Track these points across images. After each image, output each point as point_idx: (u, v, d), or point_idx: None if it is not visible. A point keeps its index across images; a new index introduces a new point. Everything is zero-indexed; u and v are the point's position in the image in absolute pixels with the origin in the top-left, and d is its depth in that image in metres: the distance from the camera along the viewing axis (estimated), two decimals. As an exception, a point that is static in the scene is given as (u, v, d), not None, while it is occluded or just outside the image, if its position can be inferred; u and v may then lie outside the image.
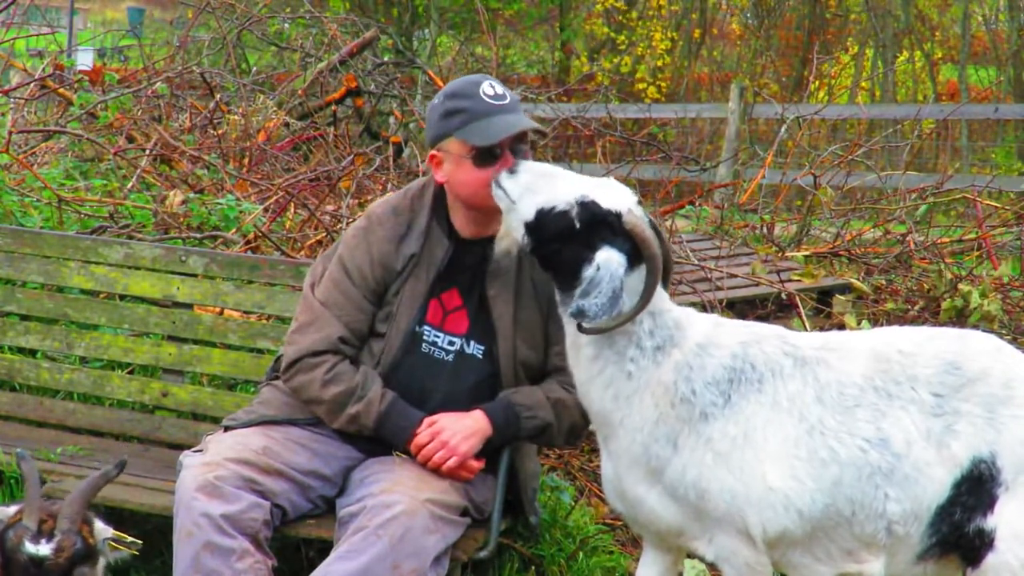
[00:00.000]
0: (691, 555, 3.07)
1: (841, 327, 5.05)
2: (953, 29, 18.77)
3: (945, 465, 2.72)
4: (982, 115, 11.63)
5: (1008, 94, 15.82)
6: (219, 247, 4.94)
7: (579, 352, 2.83)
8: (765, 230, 6.98)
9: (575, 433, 3.32)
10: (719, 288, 5.16)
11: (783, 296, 5.48)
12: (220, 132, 6.75)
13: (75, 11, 19.23)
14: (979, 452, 2.72)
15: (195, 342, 4.08)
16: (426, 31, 16.34)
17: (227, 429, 3.31)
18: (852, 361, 2.80)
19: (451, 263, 3.23)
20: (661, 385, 2.77)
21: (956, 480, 2.72)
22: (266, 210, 5.46)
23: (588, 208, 2.72)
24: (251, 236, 5.07)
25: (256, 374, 3.92)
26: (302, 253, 5.13)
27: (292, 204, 5.66)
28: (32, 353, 4.28)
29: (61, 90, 7.20)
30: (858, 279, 5.96)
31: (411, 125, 8.75)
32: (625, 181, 2.97)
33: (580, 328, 2.74)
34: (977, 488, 2.72)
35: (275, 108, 7.55)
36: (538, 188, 2.79)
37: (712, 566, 3.10)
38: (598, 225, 2.71)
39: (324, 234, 5.27)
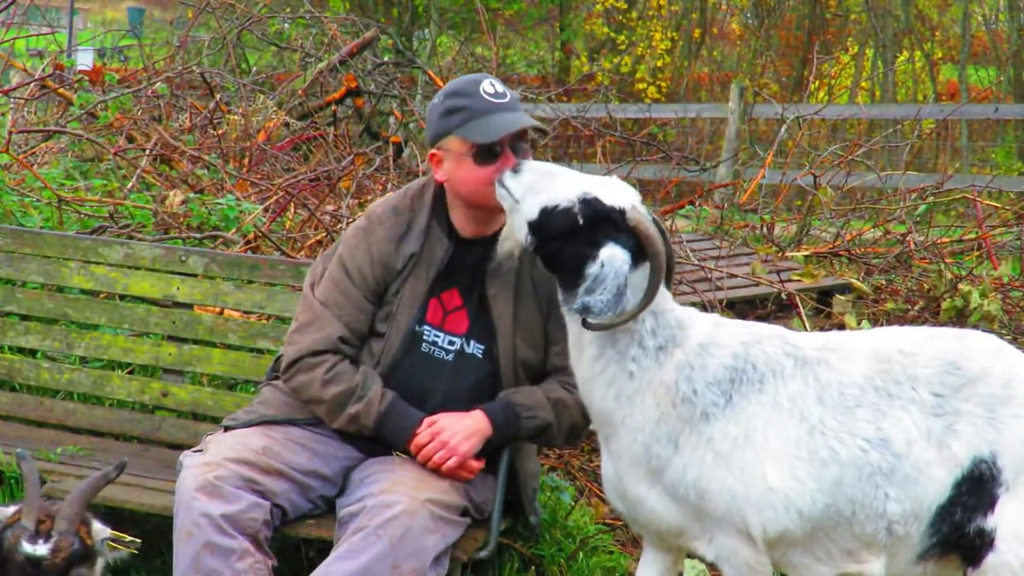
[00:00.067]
0: (691, 555, 3.07)
1: (841, 327, 5.04)
2: (953, 29, 18.78)
3: (946, 465, 2.72)
4: (982, 115, 11.62)
5: (1008, 94, 15.82)
6: (219, 247, 4.93)
7: (582, 351, 2.83)
8: (765, 230, 6.98)
9: (575, 433, 3.32)
10: (719, 288, 5.16)
11: (783, 296, 5.48)
12: (220, 132, 6.74)
13: (75, 11, 19.23)
14: (979, 452, 2.72)
15: (195, 342, 4.08)
16: (426, 31, 16.34)
17: (227, 429, 3.31)
18: (853, 361, 2.80)
19: (451, 263, 3.23)
20: (663, 385, 2.77)
21: (957, 480, 2.72)
22: (266, 210, 5.46)
23: (591, 205, 2.72)
24: (251, 236, 5.06)
25: (256, 374, 3.92)
26: (302, 253, 5.13)
27: (292, 204, 5.66)
28: (32, 353, 4.28)
29: (61, 90, 7.20)
30: (858, 279, 5.96)
31: (411, 125, 8.75)
32: (625, 181, 2.97)
33: (585, 324, 2.74)
34: (978, 488, 2.72)
35: (275, 108, 7.55)
36: (541, 187, 2.79)
37: (712, 566, 3.10)
38: (601, 222, 2.71)
39: (324, 234, 5.27)
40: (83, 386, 4.17)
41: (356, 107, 8.72)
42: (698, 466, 2.74)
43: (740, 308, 5.32)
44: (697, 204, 7.43)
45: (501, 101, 3.09)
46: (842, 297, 5.59)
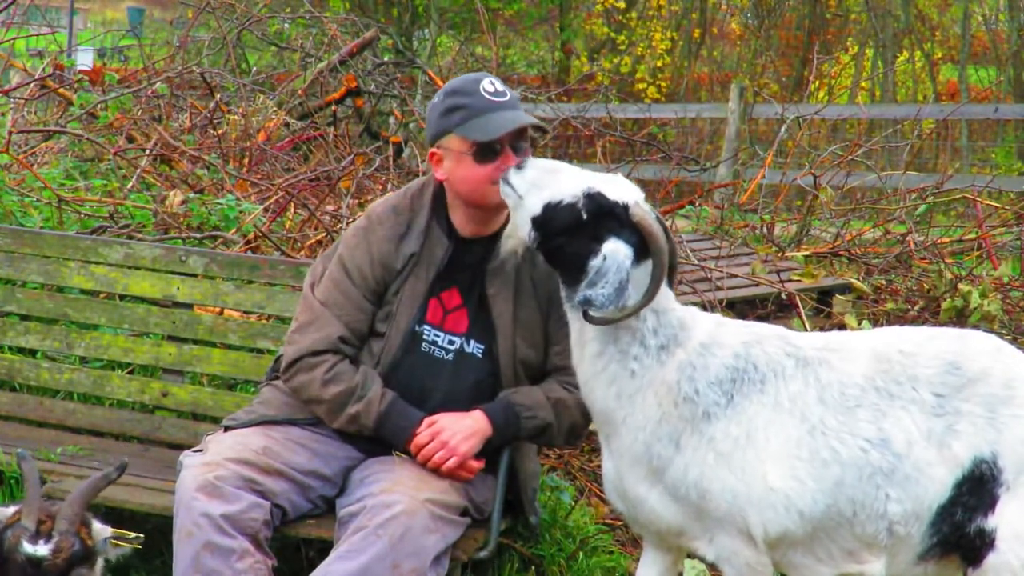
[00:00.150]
0: (691, 555, 3.07)
1: (841, 327, 5.05)
2: (953, 29, 18.78)
3: (946, 465, 2.72)
4: (982, 115, 11.62)
5: (1008, 94, 15.82)
6: (219, 247, 4.93)
7: (583, 348, 2.83)
8: (765, 230, 6.98)
9: (575, 433, 3.32)
10: (719, 288, 5.17)
11: (783, 296, 5.48)
12: (220, 132, 6.74)
13: (75, 11, 19.23)
14: (980, 452, 2.72)
15: (195, 342, 4.08)
16: (426, 31, 16.34)
17: (227, 429, 3.31)
18: (853, 361, 2.79)
19: (451, 262, 3.23)
20: (664, 384, 2.77)
21: (957, 480, 2.72)
22: (266, 210, 5.46)
23: (595, 199, 2.72)
24: (251, 236, 5.06)
25: (256, 374, 3.92)
26: (302, 253, 5.13)
27: (292, 204, 5.66)
28: (32, 353, 4.28)
29: (61, 90, 7.20)
30: (858, 279, 5.96)
31: (411, 125, 8.75)
32: (626, 181, 2.97)
33: (586, 317, 2.74)
34: (978, 488, 2.72)
35: (275, 108, 7.55)
36: (545, 183, 2.79)
37: (712, 566, 3.10)
38: (605, 216, 2.71)
39: (324, 234, 5.27)
40: (83, 386, 4.16)
41: (356, 107, 8.72)
42: (699, 466, 2.74)
43: (740, 308, 5.32)
44: (697, 204, 7.43)
45: (501, 100, 3.09)
46: (842, 297, 5.59)
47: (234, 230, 5.10)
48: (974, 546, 2.72)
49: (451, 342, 3.25)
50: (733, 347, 2.79)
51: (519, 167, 2.86)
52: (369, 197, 6.08)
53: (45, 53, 9.14)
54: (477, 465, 3.18)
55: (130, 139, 6.45)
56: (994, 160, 14.16)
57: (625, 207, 2.72)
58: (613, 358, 2.79)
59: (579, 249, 2.72)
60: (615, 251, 2.67)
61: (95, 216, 5.27)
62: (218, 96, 7.40)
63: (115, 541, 2.91)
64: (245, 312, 4.16)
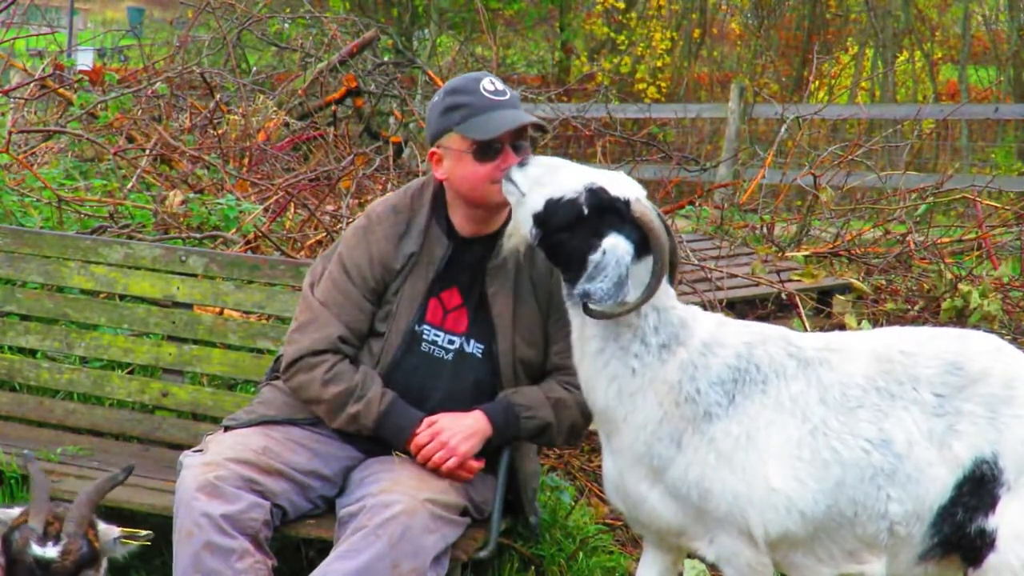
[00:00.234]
0: (691, 555, 3.07)
1: (841, 327, 5.04)
2: (953, 29, 18.78)
3: (947, 465, 2.72)
4: (982, 115, 11.63)
5: (1008, 94, 15.82)
6: (219, 247, 4.93)
7: (584, 345, 2.83)
8: (765, 230, 6.98)
9: (575, 432, 3.32)
10: (719, 288, 5.17)
11: (783, 296, 5.48)
12: (220, 132, 6.74)
13: (75, 11, 19.23)
14: (981, 452, 2.72)
15: (195, 342, 4.08)
16: (426, 31, 16.34)
17: (227, 429, 3.30)
18: (854, 362, 2.79)
19: (450, 262, 3.23)
20: (666, 383, 2.77)
21: (958, 480, 2.72)
22: (266, 210, 5.46)
23: (597, 195, 2.73)
24: (251, 236, 5.06)
25: (256, 374, 3.92)
26: (302, 253, 5.13)
27: (292, 204, 5.65)
28: (32, 353, 4.28)
29: (61, 90, 7.19)
30: (858, 279, 5.96)
31: (411, 125, 8.75)
32: (626, 181, 2.97)
33: (586, 310, 2.74)
34: (979, 488, 2.72)
35: (275, 108, 7.55)
36: (547, 180, 2.80)
37: (713, 566, 3.10)
38: (606, 212, 2.72)
39: (324, 234, 5.27)
40: (83, 386, 4.16)
41: (356, 107, 8.72)
42: (700, 466, 2.74)
43: (740, 308, 5.32)
44: (697, 204, 7.43)
45: (501, 98, 3.09)
46: (842, 297, 5.59)
47: (234, 230, 5.10)
48: (975, 546, 2.72)
49: (451, 342, 3.25)
50: (735, 347, 2.79)
51: (522, 164, 2.86)
52: (369, 197, 6.08)
53: (45, 53, 9.14)
54: (477, 465, 3.18)
55: (130, 139, 6.45)
56: (994, 160, 14.16)
57: (627, 203, 2.72)
58: (614, 355, 2.79)
59: (580, 245, 2.72)
60: (615, 246, 2.67)
61: (95, 216, 5.27)
62: (218, 96, 7.40)
63: (125, 540, 2.91)
64: (245, 312, 4.16)
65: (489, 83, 3.10)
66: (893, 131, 9.92)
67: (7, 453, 3.70)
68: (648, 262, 2.72)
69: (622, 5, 17.91)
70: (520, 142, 3.10)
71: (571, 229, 2.74)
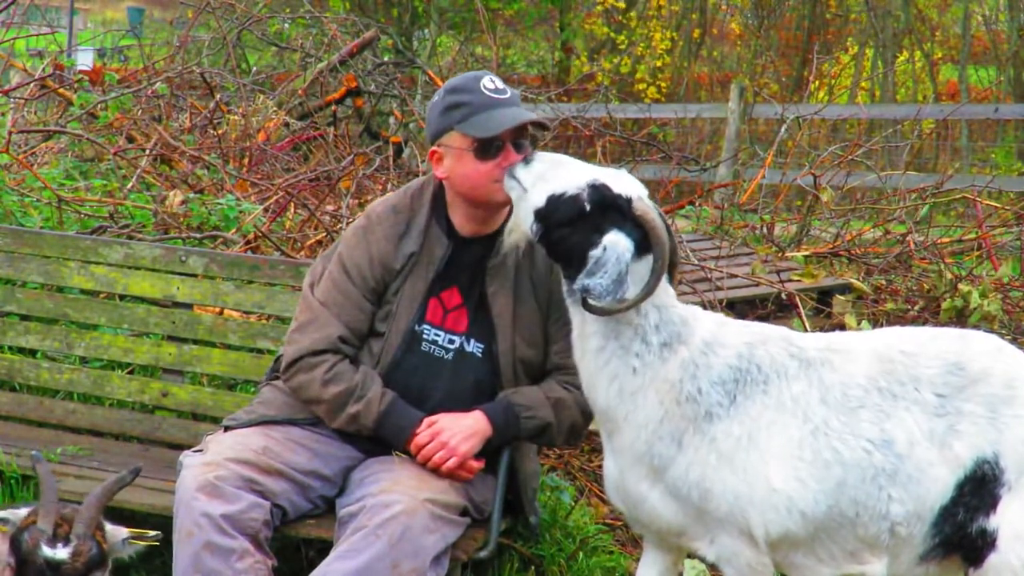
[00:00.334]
0: (691, 555, 3.06)
1: (841, 327, 5.04)
2: (953, 29, 18.78)
3: (948, 465, 2.72)
4: (982, 115, 11.63)
5: (1008, 94, 15.81)
6: (219, 247, 4.93)
7: (585, 343, 2.83)
8: (765, 230, 6.98)
9: (575, 432, 3.32)
10: (719, 288, 5.16)
11: (783, 296, 5.48)
12: (220, 132, 6.74)
13: (75, 11, 19.23)
14: (982, 452, 2.72)
15: (195, 342, 4.08)
16: (426, 31, 16.34)
17: (227, 429, 3.30)
18: (855, 362, 2.79)
19: (450, 262, 3.23)
20: (667, 382, 2.77)
21: (959, 480, 2.72)
22: (266, 210, 5.46)
23: (599, 191, 2.73)
24: (251, 236, 5.06)
25: (256, 374, 3.92)
26: (302, 253, 5.13)
27: (292, 204, 5.65)
28: (32, 353, 4.28)
29: (61, 90, 7.19)
30: (858, 279, 5.96)
31: (411, 125, 8.75)
32: (627, 181, 2.97)
33: (585, 306, 2.73)
34: (980, 488, 2.72)
35: (275, 108, 7.55)
36: (550, 176, 2.80)
37: (713, 566, 3.10)
38: (608, 209, 2.72)
39: (324, 234, 5.27)
40: (83, 386, 4.16)
41: (356, 107, 8.72)
42: (701, 466, 2.73)
43: (740, 308, 5.32)
44: (697, 204, 7.43)
45: (502, 97, 3.09)
46: (842, 297, 5.59)
47: (234, 230, 5.10)
48: (976, 546, 2.72)
49: (451, 341, 3.25)
50: (736, 347, 2.79)
51: (526, 161, 2.86)
52: (369, 197, 6.08)
53: (45, 53, 9.14)
54: (477, 465, 3.18)
55: (130, 139, 6.45)
56: (994, 160, 14.16)
57: (628, 200, 2.72)
58: (615, 354, 2.79)
59: (581, 241, 2.72)
60: (615, 243, 2.68)
61: (95, 216, 5.27)
62: (218, 96, 7.40)
63: (133, 540, 2.91)
64: (245, 312, 4.16)
65: (489, 81, 3.10)
66: (893, 131, 9.93)
67: (7, 453, 3.70)
68: (648, 261, 2.72)
69: (622, 5, 17.91)
70: (521, 140, 3.10)
71: (572, 225, 2.74)
